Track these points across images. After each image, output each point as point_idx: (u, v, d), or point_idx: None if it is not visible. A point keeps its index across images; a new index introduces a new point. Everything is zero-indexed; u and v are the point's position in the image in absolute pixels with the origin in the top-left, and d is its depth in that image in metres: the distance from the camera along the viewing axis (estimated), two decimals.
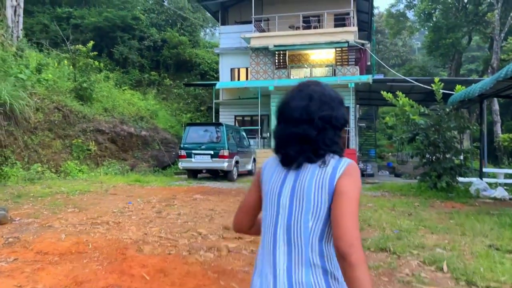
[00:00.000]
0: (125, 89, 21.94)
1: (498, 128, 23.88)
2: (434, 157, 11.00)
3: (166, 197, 9.05)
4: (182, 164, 13.65)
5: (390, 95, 10.59)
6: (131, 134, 16.21)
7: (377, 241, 5.14)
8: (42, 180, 10.64)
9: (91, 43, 17.24)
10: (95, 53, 17.64)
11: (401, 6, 36.09)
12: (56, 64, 16.01)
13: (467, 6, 30.42)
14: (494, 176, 13.96)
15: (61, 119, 13.47)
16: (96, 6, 28.70)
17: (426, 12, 29.61)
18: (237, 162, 14.02)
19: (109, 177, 12.76)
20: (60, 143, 13.17)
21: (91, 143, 14.15)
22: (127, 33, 27.13)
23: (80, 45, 17.11)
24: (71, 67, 16.37)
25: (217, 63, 25.55)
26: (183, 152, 13.50)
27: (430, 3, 28.56)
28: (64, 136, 13.44)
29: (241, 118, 22.50)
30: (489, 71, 25.64)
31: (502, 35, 24.94)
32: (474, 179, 11.41)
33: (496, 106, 23.69)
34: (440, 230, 5.97)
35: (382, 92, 10.74)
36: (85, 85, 15.77)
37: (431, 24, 31.02)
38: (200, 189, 10.82)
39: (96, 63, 17.33)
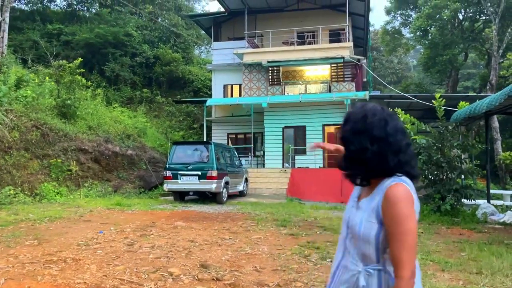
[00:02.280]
0: (116, 107, 21.26)
1: (498, 145, 23.21)
2: (437, 178, 10.25)
3: (144, 224, 8.19)
4: (168, 186, 12.77)
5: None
6: (116, 153, 15.41)
7: None
8: (12, 205, 9.77)
9: (79, 60, 16.57)
10: (82, 69, 16.97)
11: (397, 23, 35.90)
12: (37, 80, 15.27)
13: (463, 22, 30.16)
14: (498, 197, 13.22)
15: (39, 138, 12.67)
16: (88, 22, 28.20)
17: (422, 28, 29.26)
18: (227, 183, 13.18)
19: (89, 200, 11.91)
20: (38, 164, 12.34)
21: (72, 163, 13.33)
22: (119, 49, 26.57)
23: (65, 61, 16.42)
24: (53, 83, 15.62)
25: (210, 80, 24.95)
26: (168, 173, 12.64)
27: (426, 20, 28.22)
28: (42, 156, 12.62)
29: (234, 136, 21.79)
30: (487, 87, 25.15)
31: (500, 51, 24.53)
32: (480, 202, 10.63)
33: (496, 123, 23.06)
34: (452, 267, 5.15)
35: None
36: (68, 102, 15.05)
37: (427, 42, 30.70)
38: (184, 214, 9.96)
39: (83, 80, 16.64)
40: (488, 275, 4.76)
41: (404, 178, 1.52)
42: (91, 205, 10.89)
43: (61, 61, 16.75)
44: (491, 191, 12.35)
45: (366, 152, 1.52)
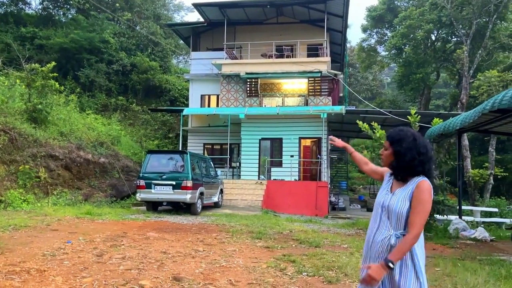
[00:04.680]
0: (89, 113, 20.76)
1: (468, 163, 23.82)
2: None
3: (115, 234, 7.91)
4: (141, 196, 12.44)
5: (366, 125, 9.98)
6: (88, 161, 14.98)
7: None
8: None
9: (52, 63, 16.13)
10: (55, 74, 16.51)
11: (372, 41, 36.76)
12: (7, 83, 14.75)
13: (436, 43, 31.14)
14: (468, 213, 13.49)
15: (6, 142, 12.18)
16: (63, 27, 27.61)
17: (396, 47, 30.04)
18: (201, 193, 12.96)
19: (58, 208, 11.46)
20: (4, 170, 11.84)
21: (41, 169, 12.85)
22: (95, 55, 26.08)
23: (37, 65, 15.94)
24: (24, 87, 15.11)
25: (187, 89, 24.77)
26: (142, 182, 12.31)
27: (400, 39, 28.99)
28: (9, 162, 12.12)
29: (210, 146, 21.61)
30: (458, 106, 25.89)
31: (471, 72, 25.35)
32: (452, 218, 10.81)
33: (466, 141, 23.71)
34: (427, 282, 5.13)
35: (358, 121, 10.13)
36: (40, 106, 14.58)
37: (401, 60, 31.51)
38: (157, 225, 9.71)
39: (56, 84, 16.18)
40: None
41: (426, 177, 2.35)
42: (59, 213, 10.48)
43: (33, 64, 16.24)
44: (465, 207, 12.59)
45: (414, 161, 2.33)
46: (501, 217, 13.59)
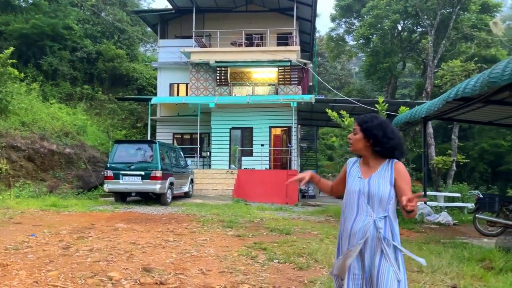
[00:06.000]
0: (53, 103, 20.02)
1: (432, 150, 24.57)
2: None
3: (82, 226, 7.71)
4: (108, 186, 12.17)
5: (335, 114, 10.10)
6: (53, 152, 14.50)
7: (328, 284, 4.32)
8: None
9: (11, 49, 15.43)
10: (15, 60, 15.80)
11: (341, 31, 37.10)
12: None
13: (402, 33, 31.76)
14: (432, 199, 13.94)
15: None
16: (24, 13, 26.37)
17: (364, 36, 30.44)
18: (171, 183, 12.81)
19: (21, 200, 11.07)
20: None
21: (2, 161, 12.35)
22: (58, 43, 25.07)
23: None
24: None
25: (155, 78, 24.29)
26: (109, 173, 12.04)
27: (368, 29, 29.39)
28: None
29: (180, 136, 21.34)
30: (423, 95, 26.59)
31: (435, 61, 26.04)
32: (418, 203, 11.13)
33: (430, 129, 24.42)
34: None
35: (327, 110, 10.24)
36: None
37: (368, 50, 31.99)
38: (126, 216, 9.53)
39: (16, 72, 15.49)
40: (428, 274, 4.92)
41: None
42: (22, 206, 10.12)
43: None
44: (429, 193, 12.99)
45: (386, 142, 2.42)
46: (463, 202, 14.12)
